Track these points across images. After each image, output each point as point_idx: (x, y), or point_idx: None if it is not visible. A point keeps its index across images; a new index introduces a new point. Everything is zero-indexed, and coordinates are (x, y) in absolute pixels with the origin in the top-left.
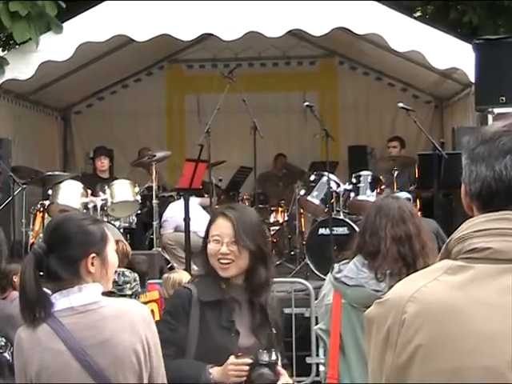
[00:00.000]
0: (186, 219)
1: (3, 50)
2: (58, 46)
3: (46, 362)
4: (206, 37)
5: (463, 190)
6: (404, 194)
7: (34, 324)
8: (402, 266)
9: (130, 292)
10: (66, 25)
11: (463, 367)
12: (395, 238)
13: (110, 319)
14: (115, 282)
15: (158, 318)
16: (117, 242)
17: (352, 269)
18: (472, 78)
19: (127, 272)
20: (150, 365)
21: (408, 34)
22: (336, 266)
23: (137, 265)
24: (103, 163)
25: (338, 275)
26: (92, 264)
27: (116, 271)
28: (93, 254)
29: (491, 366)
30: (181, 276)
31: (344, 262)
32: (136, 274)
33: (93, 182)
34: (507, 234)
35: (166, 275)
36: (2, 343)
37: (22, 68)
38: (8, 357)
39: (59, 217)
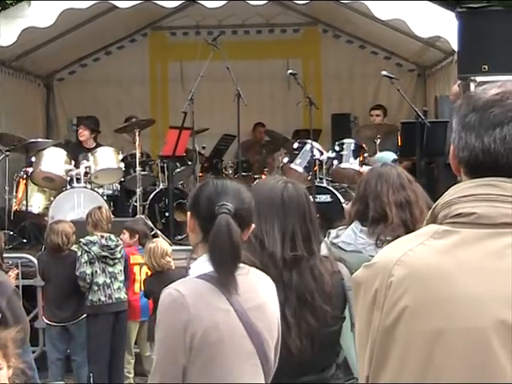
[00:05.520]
0: (170, 187)
1: None
2: (40, 12)
3: (215, 321)
4: (190, 4)
5: (452, 151)
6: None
7: (233, 282)
8: (403, 231)
9: (119, 255)
10: None
11: (446, 329)
12: (396, 203)
13: (261, 284)
14: (107, 246)
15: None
16: (99, 207)
17: (349, 234)
18: (455, 47)
19: (113, 236)
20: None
21: (391, 2)
22: (333, 231)
23: (139, 226)
24: (80, 133)
25: (336, 240)
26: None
27: (103, 236)
28: (253, 225)
29: (474, 327)
30: (167, 246)
31: (341, 227)
32: (119, 238)
33: (76, 152)
34: (492, 200)
35: (152, 244)
36: None
37: (4, 34)
38: None
39: (233, 184)
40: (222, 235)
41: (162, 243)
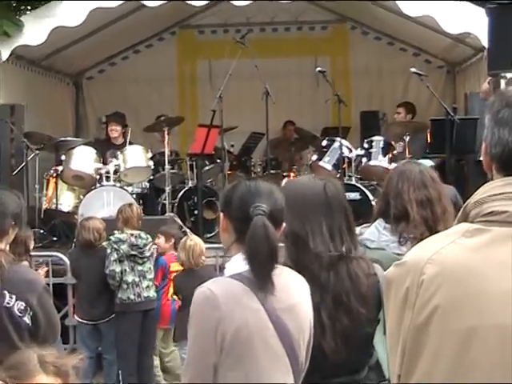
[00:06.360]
0: (199, 185)
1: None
2: (69, 11)
3: (246, 320)
4: (218, 1)
5: (484, 149)
6: (427, 162)
7: (270, 283)
8: (425, 229)
9: (148, 253)
10: None
11: (479, 326)
12: (417, 201)
13: (294, 285)
14: (136, 246)
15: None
16: (130, 205)
17: (373, 232)
18: (485, 43)
19: (143, 234)
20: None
21: None
22: (357, 228)
23: (174, 230)
24: (113, 130)
25: (359, 238)
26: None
27: (133, 234)
28: (284, 224)
29: (506, 323)
30: (203, 244)
31: (365, 225)
32: (149, 236)
33: (104, 149)
34: None
35: (191, 242)
36: (22, 307)
37: (34, 34)
38: (27, 321)
39: (266, 184)
40: (260, 237)
41: (199, 241)
